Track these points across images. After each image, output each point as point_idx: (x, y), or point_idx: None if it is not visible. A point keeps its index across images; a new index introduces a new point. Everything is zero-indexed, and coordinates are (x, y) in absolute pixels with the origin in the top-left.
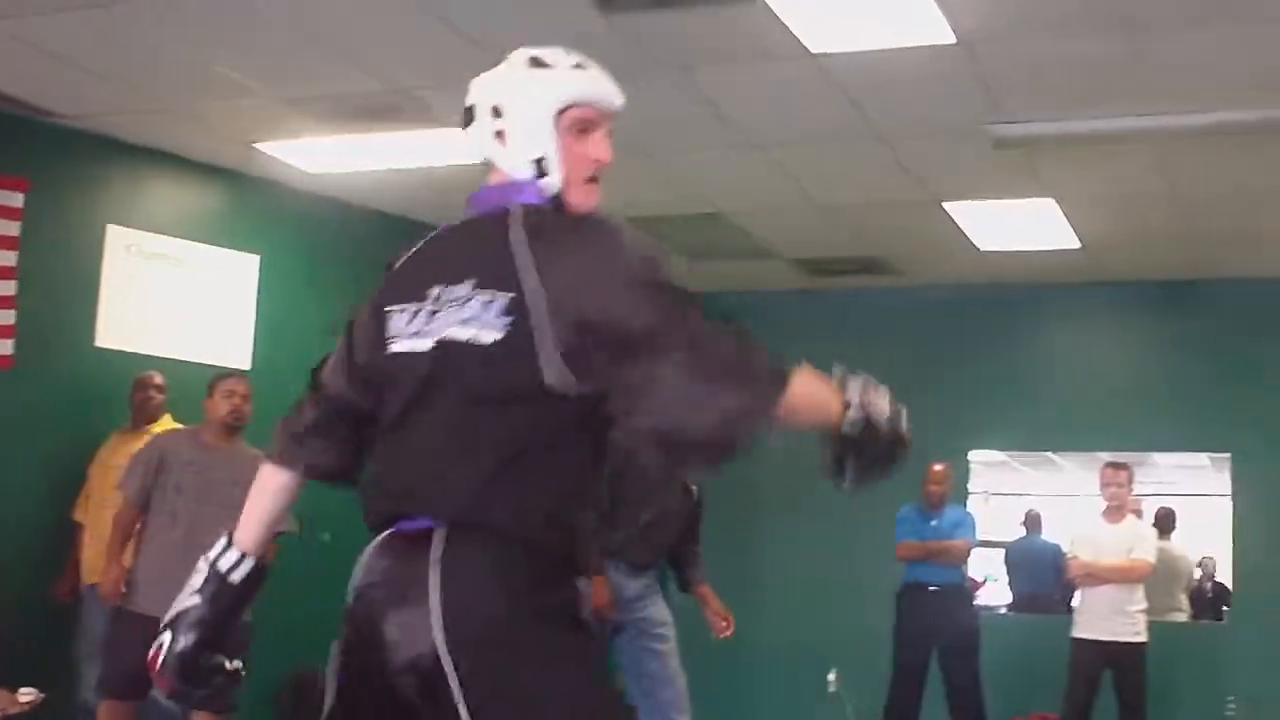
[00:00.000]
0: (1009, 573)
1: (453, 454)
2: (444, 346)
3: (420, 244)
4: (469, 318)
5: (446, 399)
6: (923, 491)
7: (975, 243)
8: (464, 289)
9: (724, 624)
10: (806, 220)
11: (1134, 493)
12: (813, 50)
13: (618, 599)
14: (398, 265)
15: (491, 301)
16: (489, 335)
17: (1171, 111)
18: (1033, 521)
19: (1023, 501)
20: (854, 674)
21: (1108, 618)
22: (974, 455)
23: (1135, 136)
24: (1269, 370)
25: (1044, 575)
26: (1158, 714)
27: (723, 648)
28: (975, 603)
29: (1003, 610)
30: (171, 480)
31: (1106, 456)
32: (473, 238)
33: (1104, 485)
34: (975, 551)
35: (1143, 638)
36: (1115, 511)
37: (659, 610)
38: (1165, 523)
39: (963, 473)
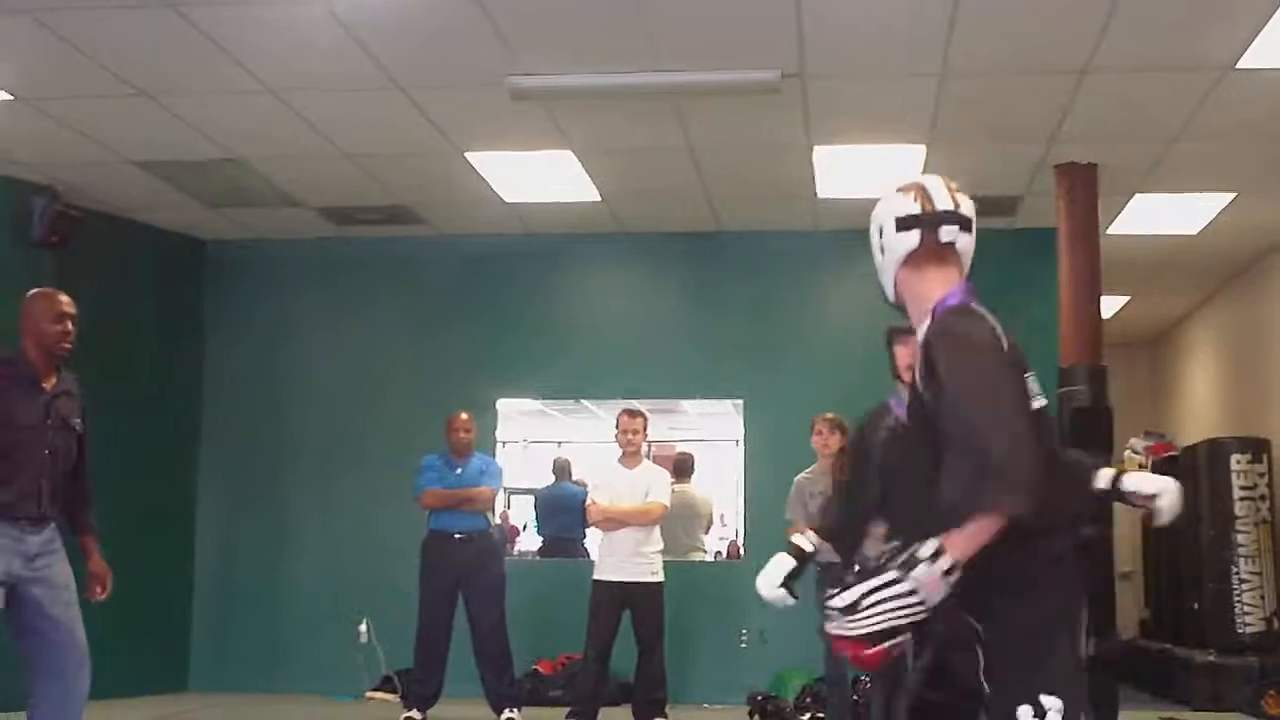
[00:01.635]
0: (538, 518)
1: None
2: None
3: None
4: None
5: None
6: (448, 440)
7: (499, 193)
8: None
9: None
10: (330, 168)
11: (661, 438)
12: None
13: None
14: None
15: None
16: None
17: (681, 68)
18: (561, 468)
19: (560, 449)
20: (384, 623)
21: (626, 560)
22: (503, 404)
23: (648, 92)
24: (779, 319)
25: (571, 520)
26: (678, 647)
27: (256, 598)
28: (504, 550)
29: (532, 556)
30: None
31: (635, 403)
32: None
33: (620, 431)
34: (513, 499)
35: (659, 578)
36: (631, 456)
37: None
38: (684, 466)
39: (492, 421)
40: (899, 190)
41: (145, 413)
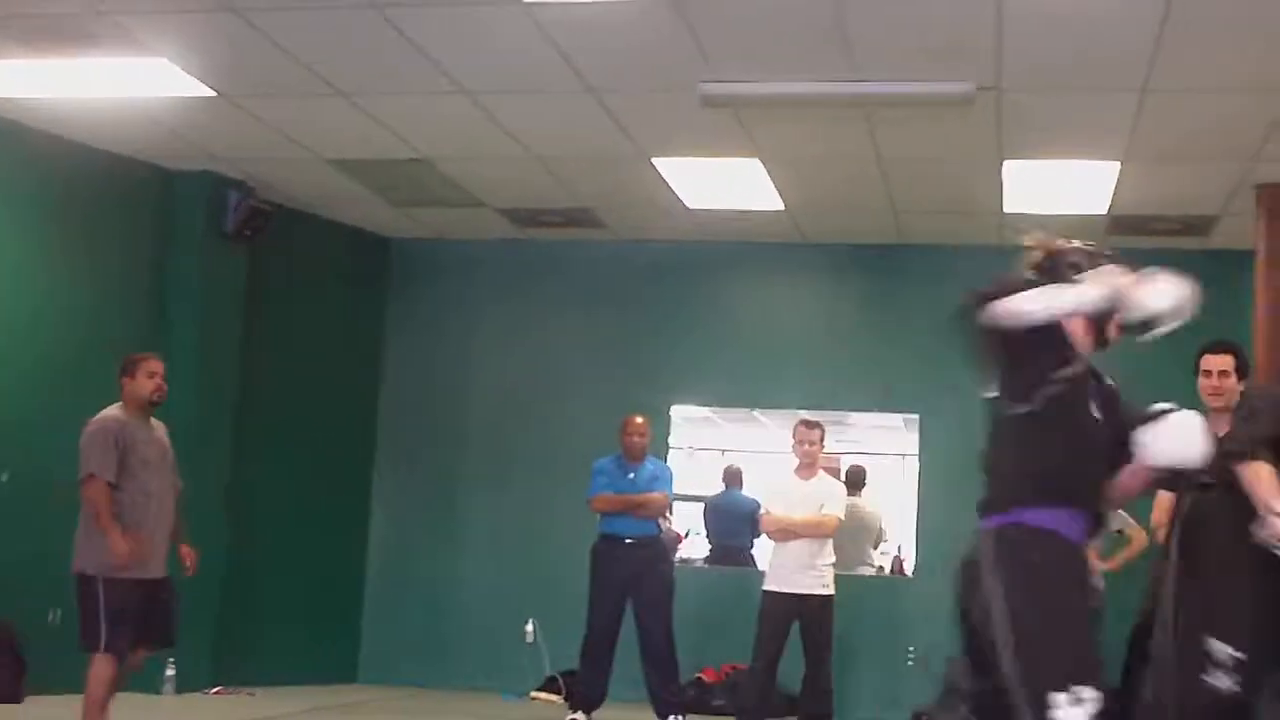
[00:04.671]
0: (707, 526)
1: None
2: None
3: None
4: None
5: None
6: (621, 444)
7: (682, 199)
8: None
9: None
10: (515, 170)
11: (827, 450)
12: None
13: None
14: None
15: None
16: None
17: (875, 78)
18: (732, 476)
19: (725, 457)
20: (551, 624)
21: (797, 571)
22: (676, 410)
23: (839, 101)
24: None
25: (741, 529)
26: (844, 664)
27: (427, 594)
28: (671, 555)
29: (699, 563)
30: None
31: (805, 414)
32: None
33: (797, 442)
34: (678, 505)
35: (830, 591)
36: (807, 468)
37: None
38: (856, 480)
39: (665, 427)
40: None
41: (325, 405)
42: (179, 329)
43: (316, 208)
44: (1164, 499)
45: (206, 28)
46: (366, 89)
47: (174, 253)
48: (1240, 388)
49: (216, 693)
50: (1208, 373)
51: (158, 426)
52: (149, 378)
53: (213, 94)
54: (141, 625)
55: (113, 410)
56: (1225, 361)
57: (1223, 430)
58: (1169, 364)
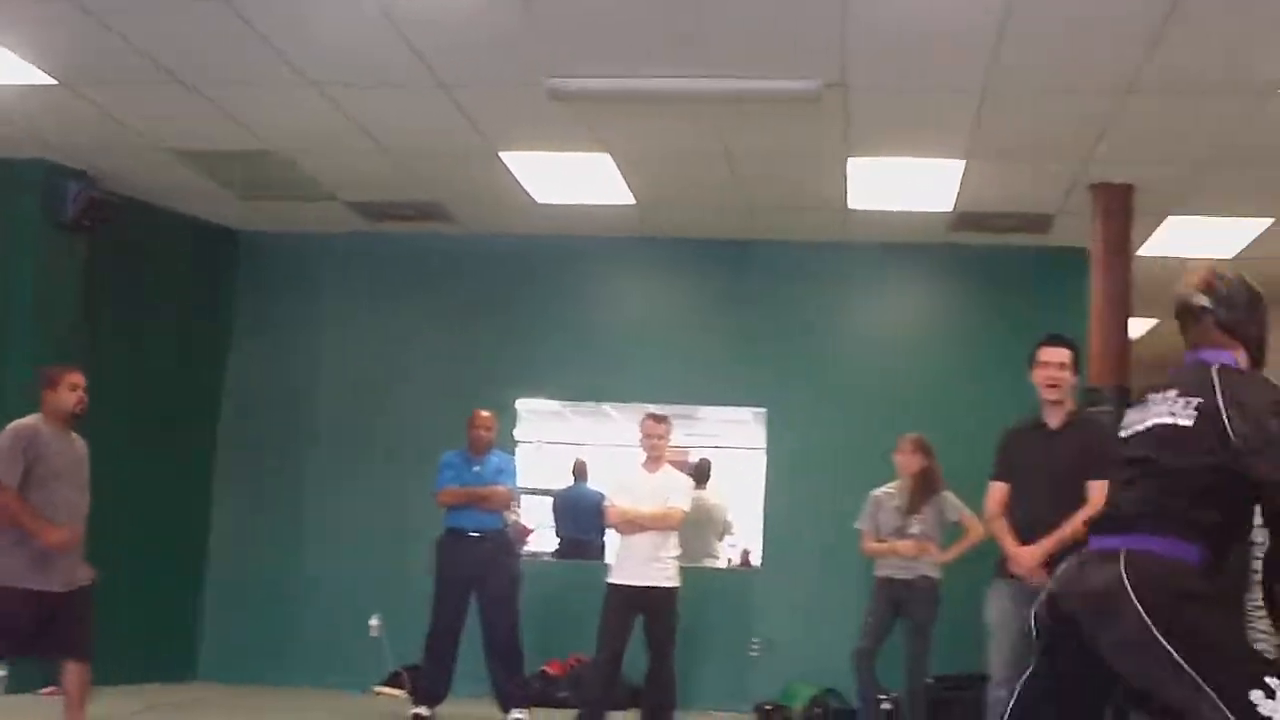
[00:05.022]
0: (555, 520)
1: None
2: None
3: None
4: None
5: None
6: (468, 438)
7: (531, 194)
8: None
9: None
10: (364, 163)
11: (677, 444)
12: None
13: None
14: None
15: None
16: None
17: (723, 75)
18: (580, 470)
19: (575, 451)
20: (397, 619)
21: (642, 564)
22: (523, 404)
23: (687, 98)
24: (805, 330)
25: (589, 522)
26: (689, 655)
27: (268, 589)
28: (518, 549)
29: (547, 557)
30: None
31: (655, 408)
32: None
33: (644, 436)
34: (526, 499)
35: (674, 583)
36: (654, 461)
37: None
38: (702, 473)
39: (512, 421)
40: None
41: (167, 400)
42: (14, 320)
43: (161, 199)
44: (996, 490)
45: (45, 13)
46: (212, 79)
47: (7, 243)
48: (1075, 381)
49: (49, 693)
50: (1045, 364)
51: (77, 440)
52: (71, 390)
53: (52, 81)
54: (37, 637)
55: (30, 419)
56: (1062, 354)
57: (1056, 421)
58: (1000, 362)
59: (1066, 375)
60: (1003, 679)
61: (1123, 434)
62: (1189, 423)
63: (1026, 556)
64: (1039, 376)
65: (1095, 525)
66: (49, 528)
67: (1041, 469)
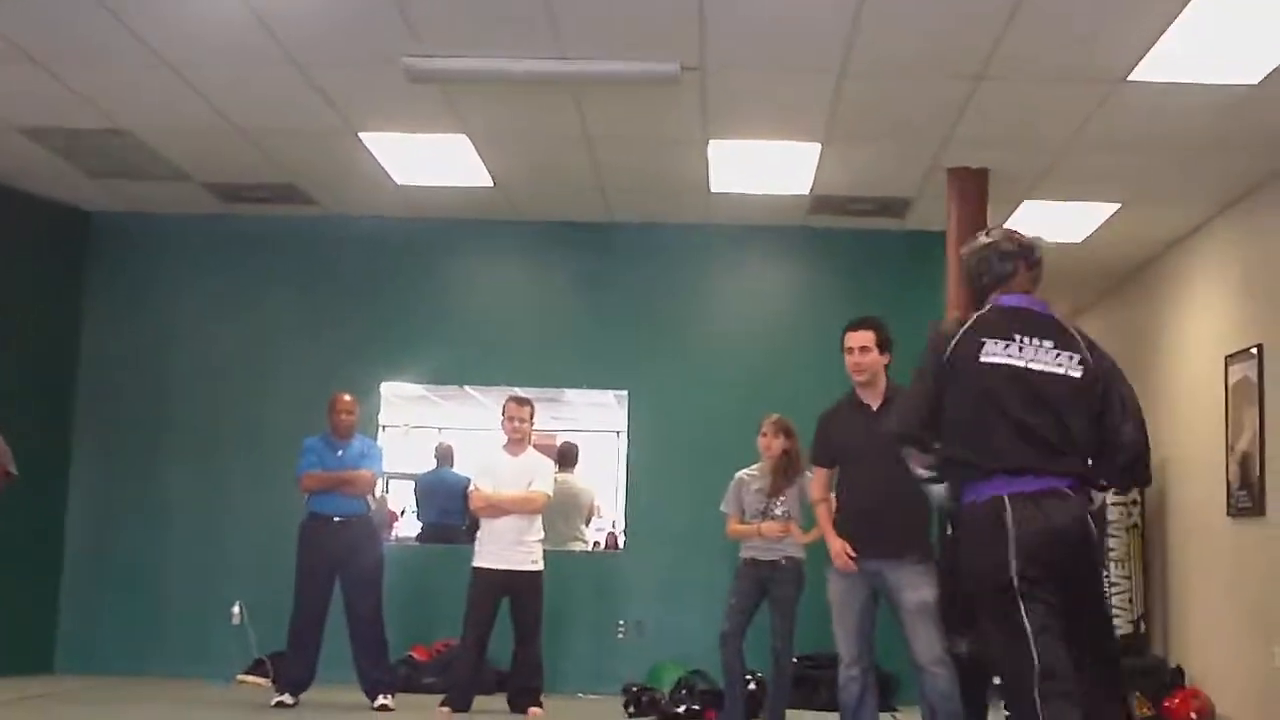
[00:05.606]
0: (418, 504)
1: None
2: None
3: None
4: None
5: None
6: (330, 422)
7: (391, 175)
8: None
9: None
10: (218, 143)
11: (543, 427)
12: None
13: None
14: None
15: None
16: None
17: (582, 57)
18: (444, 454)
19: (441, 435)
20: (259, 606)
21: (506, 548)
22: (387, 387)
23: (547, 80)
24: (666, 312)
25: (452, 507)
26: (554, 637)
27: (126, 581)
28: (381, 534)
29: (411, 541)
30: None
31: (519, 391)
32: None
33: (506, 419)
34: (392, 483)
35: (539, 567)
36: (517, 444)
37: None
38: (568, 456)
39: (376, 404)
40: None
41: (18, 384)
42: None
43: (10, 179)
44: (820, 474)
45: None
46: (62, 56)
47: None
48: (884, 361)
49: None
50: (849, 349)
51: None
52: None
53: None
54: None
55: None
56: (864, 337)
57: (875, 401)
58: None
59: (871, 357)
60: (852, 659)
61: (990, 360)
62: (1079, 375)
63: (843, 554)
64: (846, 362)
65: (1029, 461)
66: None
67: (866, 450)
